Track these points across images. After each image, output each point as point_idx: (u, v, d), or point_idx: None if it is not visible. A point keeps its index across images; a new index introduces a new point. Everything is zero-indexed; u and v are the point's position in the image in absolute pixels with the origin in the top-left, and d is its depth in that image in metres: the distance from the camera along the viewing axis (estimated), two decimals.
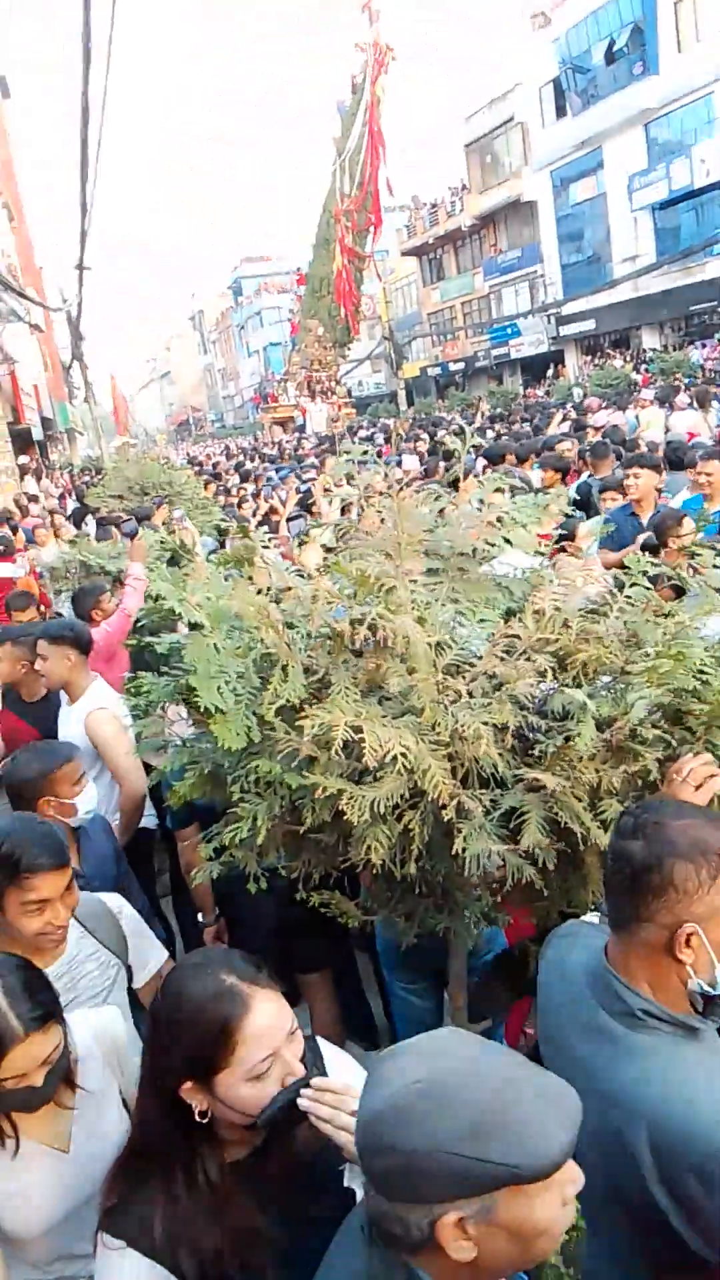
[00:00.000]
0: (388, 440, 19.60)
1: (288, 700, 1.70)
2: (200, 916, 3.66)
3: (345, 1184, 1.55)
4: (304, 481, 13.22)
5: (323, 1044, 1.70)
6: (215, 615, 1.89)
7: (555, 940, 1.85)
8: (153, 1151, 1.52)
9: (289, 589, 1.98)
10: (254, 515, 9.51)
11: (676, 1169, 1.46)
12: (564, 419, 13.81)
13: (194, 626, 1.93)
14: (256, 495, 11.66)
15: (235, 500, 11.68)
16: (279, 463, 21.01)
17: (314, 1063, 1.58)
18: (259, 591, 1.92)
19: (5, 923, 2.06)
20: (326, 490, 9.21)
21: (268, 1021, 1.49)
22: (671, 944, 1.52)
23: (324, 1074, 1.56)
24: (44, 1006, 1.73)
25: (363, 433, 28.83)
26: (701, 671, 1.79)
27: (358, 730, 1.61)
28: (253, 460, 23.46)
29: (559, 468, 8.00)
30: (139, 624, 4.29)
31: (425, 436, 19.13)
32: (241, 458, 26.31)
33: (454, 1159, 1.09)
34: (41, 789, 2.77)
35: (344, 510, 6.12)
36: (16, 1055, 1.67)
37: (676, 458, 8.08)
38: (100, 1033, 1.98)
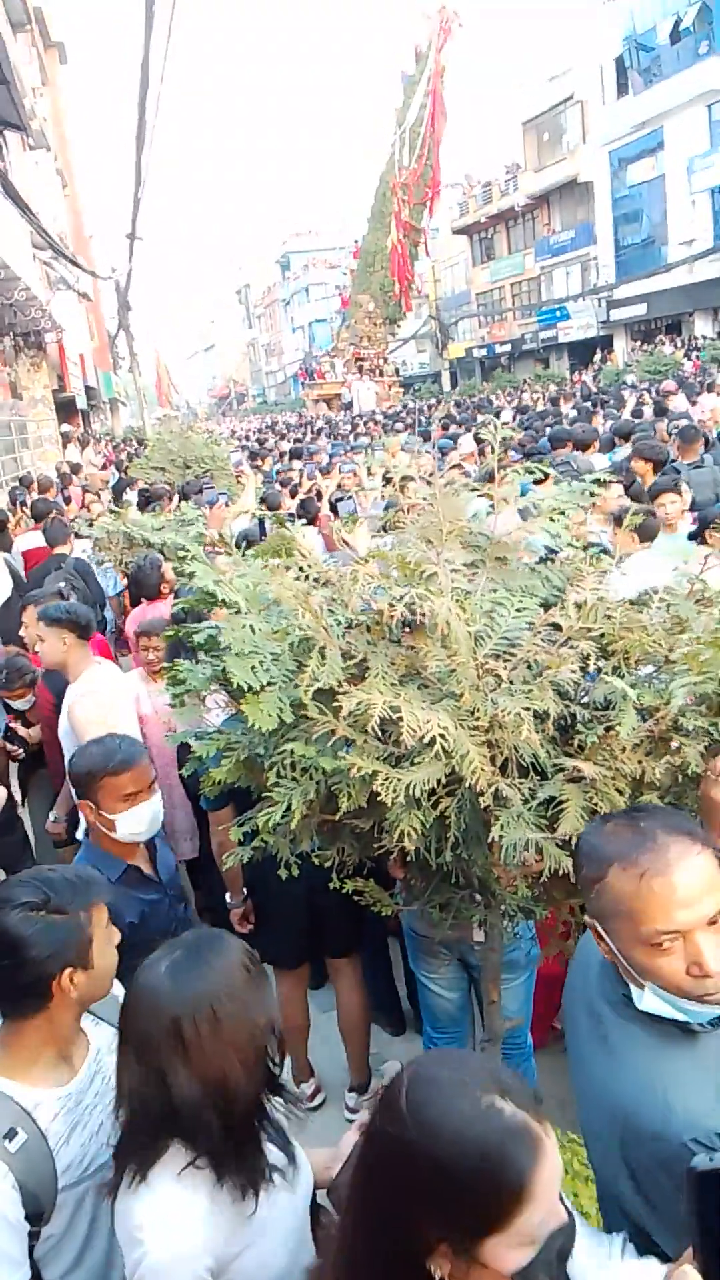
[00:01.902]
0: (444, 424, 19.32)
1: (324, 683, 1.66)
2: (229, 897, 3.66)
3: None
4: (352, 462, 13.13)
5: None
6: (252, 598, 1.86)
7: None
8: None
9: (327, 575, 1.94)
10: (299, 495, 9.48)
11: (642, 1165, 1.43)
12: (639, 403, 13.41)
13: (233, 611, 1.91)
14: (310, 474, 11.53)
15: (284, 479, 11.55)
16: (336, 440, 20.69)
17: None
18: (297, 577, 1.88)
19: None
20: (371, 472, 9.15)
21: (557, 1167, 1.13)
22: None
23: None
24: None
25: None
26: None
27: (395, 711, 1.56)
28: (304, 438, 23.24)
29: (652, 458, 7.35)
30: (176, 615, 4.28)
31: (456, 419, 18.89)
32: (297, 433, 26.06)
33: None
34: (87, 789, 2.68)
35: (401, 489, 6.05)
36: None
37: None
38: None
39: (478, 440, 12.29)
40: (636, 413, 13.89)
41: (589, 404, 16.61)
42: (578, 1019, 1.70)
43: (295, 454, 16.94)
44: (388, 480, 7.90)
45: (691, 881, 1.40)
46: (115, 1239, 1.63)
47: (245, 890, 3.64)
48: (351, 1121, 3.62)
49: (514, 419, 17.20)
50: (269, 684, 1.69)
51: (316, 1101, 3.72)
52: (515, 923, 2.21)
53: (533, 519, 2.16)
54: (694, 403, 14.06)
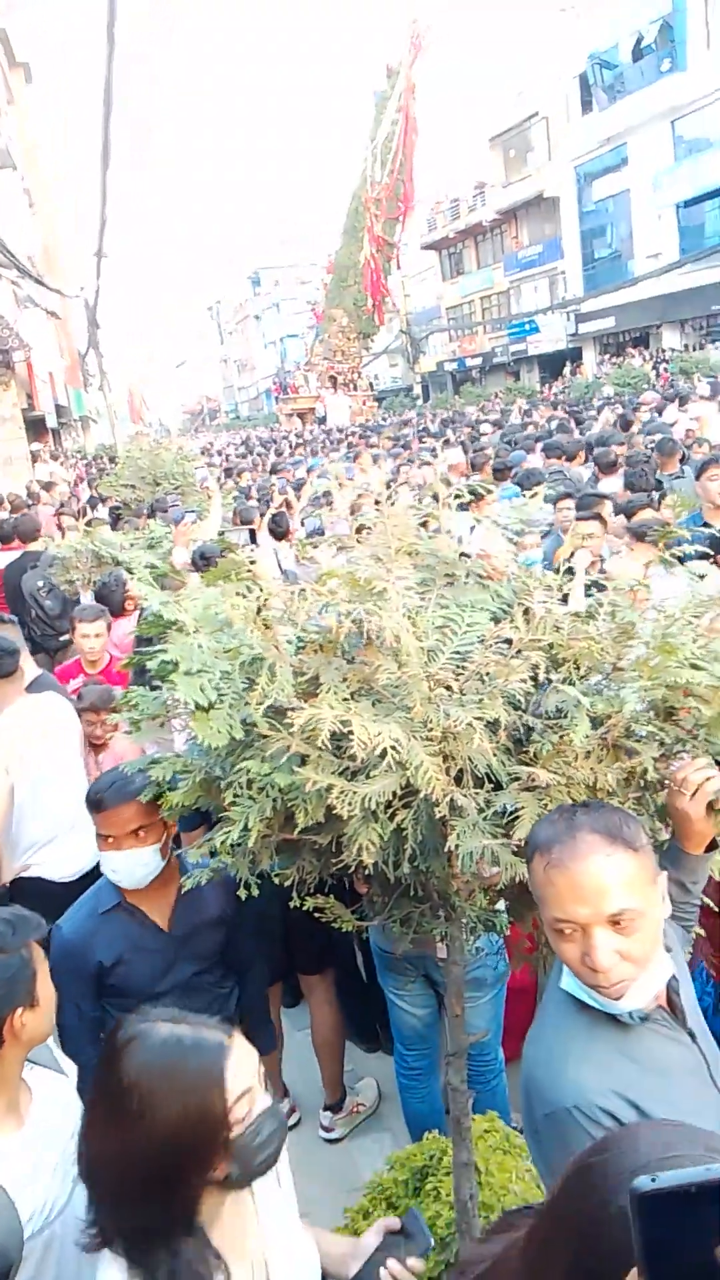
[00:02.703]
0: (420, 437, 19.32)
1: (275, 700, 1.65)
2: None
3: None
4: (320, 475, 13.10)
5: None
6: (201, 617, 1.85)
7: None
8: None
9: (277, 594, 1.94)
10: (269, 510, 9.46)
11: (541, 1128, 1.54)
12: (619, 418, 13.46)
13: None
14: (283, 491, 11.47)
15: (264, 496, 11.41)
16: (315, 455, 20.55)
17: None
18: (246, 597, 1.88)
19: None
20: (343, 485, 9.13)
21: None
22: None
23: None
24: None
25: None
26: (696, 666, 1.75)
27: (346, 725, 1.57)
28: (280, 453, 23.18)
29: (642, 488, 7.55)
30: (138, 639, 4.28)
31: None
32: (272, 448, 25.97)
33: None
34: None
35: (353, 510, 6.06)
36: None
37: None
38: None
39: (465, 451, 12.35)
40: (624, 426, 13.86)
41: (566, 414, 16.75)
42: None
43: (274, 469, 16.92)
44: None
45: (592, 878, 1.48)
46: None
47: None
48: (328, 1141, 3.60)
49: (493, 432, 17.26)
50: (218, 702, 1.68)
51: (292, 1121, 3.69)
52: (477, 935, 2.20)
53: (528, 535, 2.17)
54: (684, 409, 14.08)
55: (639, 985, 1.50)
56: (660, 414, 14.32)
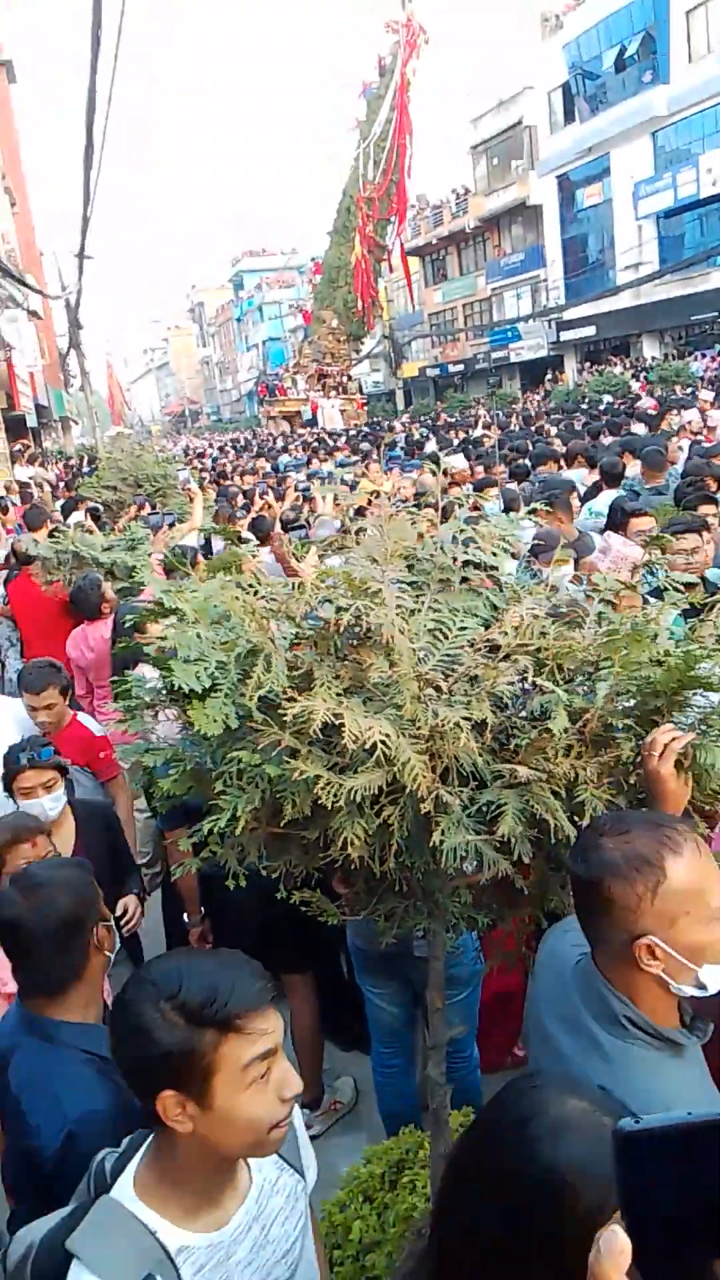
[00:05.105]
0: (418, 444, 19.16)
1: (270, 689, 1.69)
2: (186, 917, 3.66)
3: None
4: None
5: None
6: (200, 608, 1.88)
7: (556, 931, 1.90)
8: None
9: (274, 589, 1.98)
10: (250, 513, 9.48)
11: None
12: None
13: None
14: (280, 498, 11.31)
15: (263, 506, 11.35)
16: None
17: None
18: (244, 590, 1.91)
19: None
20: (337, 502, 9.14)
21: None
22: (636, 958, 1.53)
23: None
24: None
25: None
26: (658, 661, 1.80)
27: (338, 718, 1.60)
28: (276, 455, 22.94)
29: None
30: (127, 626, 4.25)
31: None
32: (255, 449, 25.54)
33: None
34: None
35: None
36: None
37: None
38: None
39: (466, 457, 12.34)
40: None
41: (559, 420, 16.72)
42: (552, 1026, 1.72)
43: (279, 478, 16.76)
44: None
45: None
46: None
47: (203, 909, 3.64)
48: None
49: (495, 435, 17.24)
50: (214, 688, 1.71)
51: None
52: (459, 932, 2.24)
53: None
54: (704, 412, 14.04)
55: None
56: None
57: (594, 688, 1.83)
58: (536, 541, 4.87)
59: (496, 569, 2.10)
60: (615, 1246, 0.80)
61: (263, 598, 1.91)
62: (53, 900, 2.02)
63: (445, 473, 11.47)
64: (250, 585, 1.94)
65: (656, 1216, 0.78)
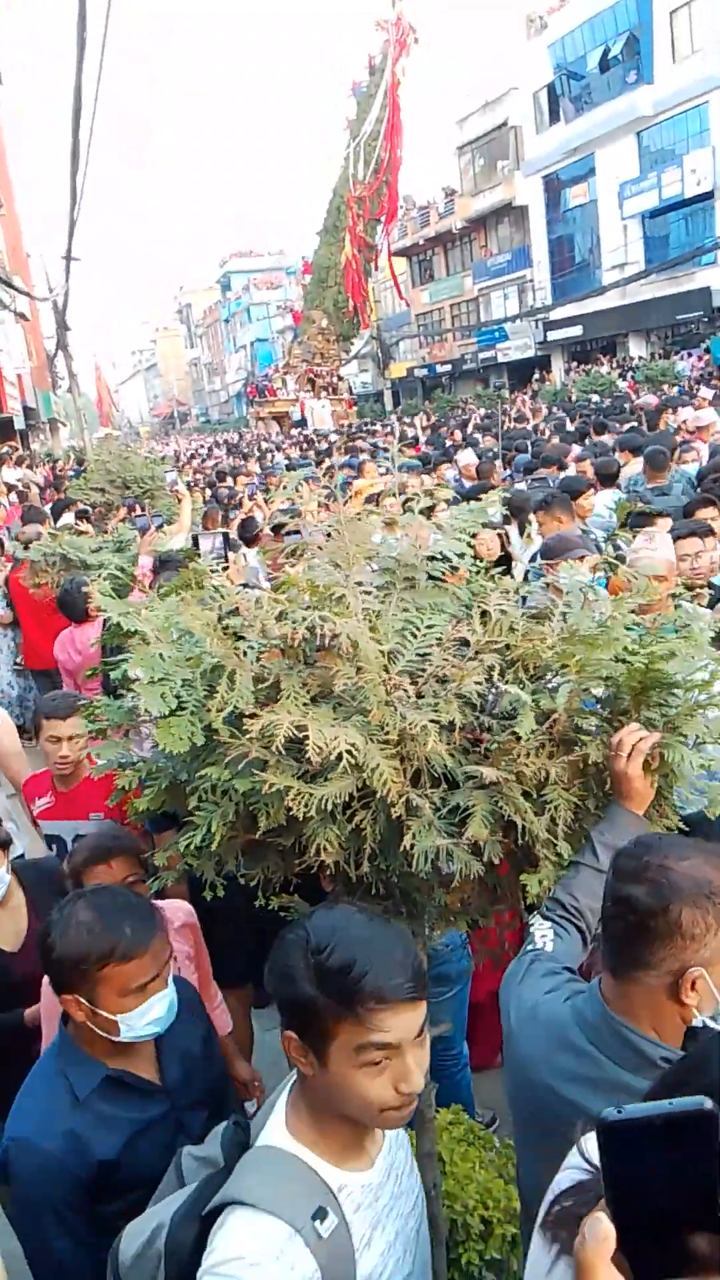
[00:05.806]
0: (414, 442, 19.09)
1: (235, 707, 1.70)
2: None
3: None
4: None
5: None
6: (162, 627, 1.89)
7: (512, 982, 1.80)
8: None
9: (236, 603, 1.98)
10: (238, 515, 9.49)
11: None
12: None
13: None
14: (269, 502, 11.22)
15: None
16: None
17: None
18: (206, 607, 1.92)
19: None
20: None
21: None
22: (677, 988, 1.48)
23: None
24: None
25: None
26: (621, 659, 1.81)
27: (302, 730, 1.61)
28: (266, 456, 22.78)
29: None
30: (103, 648, 4.22)
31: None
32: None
33: None
34: (74, 981, 1.95)
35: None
36: None
37: None
38: None
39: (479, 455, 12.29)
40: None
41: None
42: (554, 1082, 1.62)
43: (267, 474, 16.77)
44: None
45: None
46: None
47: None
48: None
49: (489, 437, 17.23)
50: (179, 709, 1.73)
51: None
52: (443, 931, 2.26)
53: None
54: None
55: None
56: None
57: (558, 684, 1.85)
58: (547, 545, 4.85)
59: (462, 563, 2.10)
60: (600, 1233, 0.81)
61: (226, 613, 1.92)
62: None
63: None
64: (211, 599, 1.96)
65: (641, 1203, 0.80)
